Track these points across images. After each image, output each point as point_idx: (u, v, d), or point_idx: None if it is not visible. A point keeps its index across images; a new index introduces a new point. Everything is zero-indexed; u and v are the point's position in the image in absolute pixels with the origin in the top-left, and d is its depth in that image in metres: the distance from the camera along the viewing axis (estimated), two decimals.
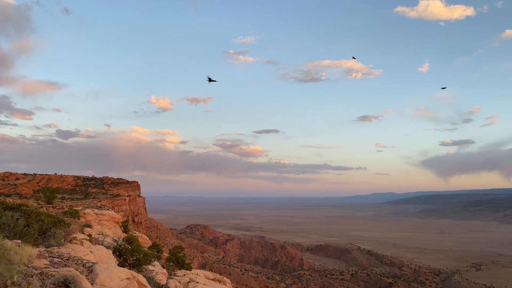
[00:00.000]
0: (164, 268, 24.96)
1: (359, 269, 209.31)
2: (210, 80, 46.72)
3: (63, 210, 33.85)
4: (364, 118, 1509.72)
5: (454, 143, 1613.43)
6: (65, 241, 16.61)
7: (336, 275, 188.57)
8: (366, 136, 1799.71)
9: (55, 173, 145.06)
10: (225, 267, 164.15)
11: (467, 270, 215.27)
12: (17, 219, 13.93)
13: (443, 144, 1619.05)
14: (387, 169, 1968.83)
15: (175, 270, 25.33)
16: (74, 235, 18.33)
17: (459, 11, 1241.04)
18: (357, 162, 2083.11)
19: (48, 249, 12.22)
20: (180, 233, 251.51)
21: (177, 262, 28.70)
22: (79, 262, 11.31)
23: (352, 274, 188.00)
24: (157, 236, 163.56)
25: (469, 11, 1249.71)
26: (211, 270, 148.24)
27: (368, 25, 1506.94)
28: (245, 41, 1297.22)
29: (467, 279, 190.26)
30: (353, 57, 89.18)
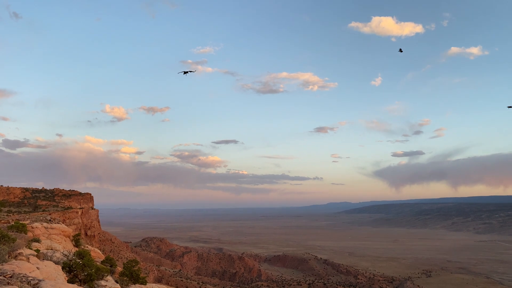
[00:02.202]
0: (117, 283, 24.07)
1: (316, 279, 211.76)
2: (185, 72, 42.22)
3: (9, 225, 32.00)
4: (320, 130, 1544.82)
5: (405, 154, 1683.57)
6: (10, 257, 15.65)
7: (294, 285, 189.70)
8: (322, 147, 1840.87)
9: (1, 185, 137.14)
10: (182, 281, 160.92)
11: (418, 277, 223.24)
12: None
13: (395, 155, 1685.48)
14: (343, 179, 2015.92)
15: (129, 285, 24.50)
16: (19, 251, 17.33)
17: (409, 28, 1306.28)
18: (314, 173, 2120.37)
19: None
20: (135, 247, 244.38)
21: (131, 276, 27.76)
22: (23, 279, 10.68)
23: (309, 284, 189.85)
24: (111, 250, 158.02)
25: (418, 28, 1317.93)
26: (167, 284, 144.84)
27: (324, 39, 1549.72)
28: (203, 51, 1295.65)
29: (418, 286, 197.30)
30: (400, 50, 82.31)
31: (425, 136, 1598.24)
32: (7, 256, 15.44)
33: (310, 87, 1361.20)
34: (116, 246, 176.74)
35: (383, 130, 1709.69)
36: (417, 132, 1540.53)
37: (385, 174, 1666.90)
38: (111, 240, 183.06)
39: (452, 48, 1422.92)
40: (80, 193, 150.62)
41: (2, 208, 63.38)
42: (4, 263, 12.72)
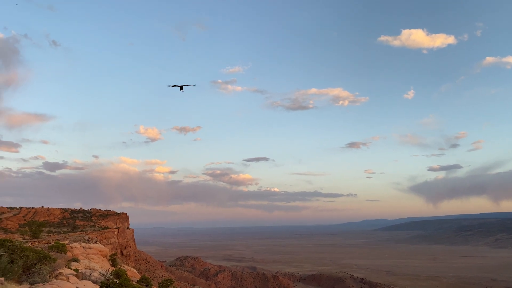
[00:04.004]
0: None
1: None
2: (181, 87, 37.74)
3: (49, 245, 33.03)
4: (352, 145, 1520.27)
5: (442, 168, 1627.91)
6: (51, 277, 16.12)
7: None
8: (355, 163, 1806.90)
9: (42, 206, 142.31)
10: None
11: None
12: (0, 255, 13.53)
13: (431, 169, 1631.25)
14: (377, 195, 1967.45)
15: None
16: (60, 271, 17.82)
17: (441, 40, 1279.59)
18: (347, 189, 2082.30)
19: (32, 286, 11.85)
20: (170, 266, 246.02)
21: None
22: None
23: None
24: (147, 269, 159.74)
25: (450, 39, 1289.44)
26: None
27: (353, 54, 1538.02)
28: (232, 71, 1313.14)
29: None
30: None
31: (462, 149, 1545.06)
32: (48, 276, 15.90)
33: (341, 102, 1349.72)
34: (151, 265, 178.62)
35: (418, 144, 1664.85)
36: (454, 146, 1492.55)
37: (422, 189, 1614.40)
38: (146, 259, 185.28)
39: (487, 58, 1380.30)
40: (116, 213, 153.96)
41: (43, 228, 65.59)
42: (45, 283, 13.11)
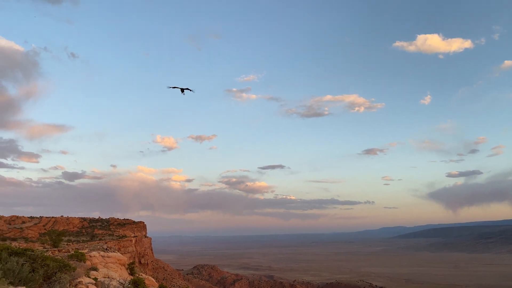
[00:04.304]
0: None
1: None
2: (182, 90, 36.11)
3: (69, 254, 33.45)
4: (369, 152, 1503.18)
5: (461, 174, 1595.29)
6: (70, 285, 16.31)
7: None
8: (372, 170, 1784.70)
9: (62, 216, 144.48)
10: None
11: None
12: (22, 264, 13.75)
13: (449, 175, 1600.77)
14: (395, 203, 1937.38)
15: None
16: (79, 279, 18.02)
17: (457, 44, 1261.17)
18: (364, 196, 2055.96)
19: None
20: (187, 274, 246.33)
21: None
22: None
23: None
24: (164, 278, 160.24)
25: (467, 43, 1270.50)
26: None
27: (368, 60, 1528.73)
28: (247, 79, 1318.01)
29: None
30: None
31: (481, 154, 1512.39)
32: (68, 284, 16.10)
33: (356, 108, 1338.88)
34: (169, 274, 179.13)
35: (436, 150, 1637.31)
36: (473, 151, 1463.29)
37: (441, 195, 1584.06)
38: (164, 268, 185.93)
39: (506, 61, 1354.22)
40: (134, 222, 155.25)
41: (62, 237, 66.50)
42: None
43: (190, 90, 36.72)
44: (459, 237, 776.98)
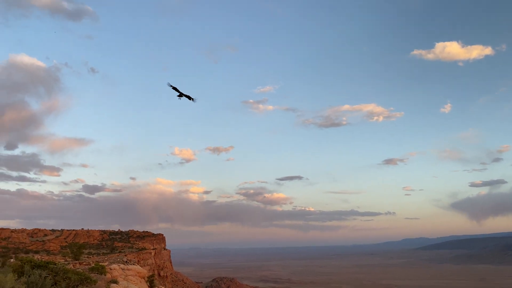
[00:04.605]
0: None
1: None
2: (180, 94, 33.61)
3: (90, 266, 33.72)
4: (389, 162, 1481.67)
5: (485, 183, 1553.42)
6: None
7: None
8: (392, 180, 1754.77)
9: (82, 228, 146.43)
10: None
11: None
12: (45, 277, 13.87)
13: (473, 185, 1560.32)
14: (417, 213, 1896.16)
15: None
16: None
17: (477, 51, 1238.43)
18: (385, 207, 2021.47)
19: None
20: (206, 287, 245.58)
21: None
22: None
23: None
24: None
25: (487, 50, 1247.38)
26: None
27: (385, 69, 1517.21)
28: (264, 91, 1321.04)
29: None
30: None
31: (505, 163, 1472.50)
32: None
33: (375, 118, 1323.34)
34: (188, 287, 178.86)
35: (458, 159, 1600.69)
36: (497, 160, 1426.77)
37: (464, 206, 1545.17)
38: (183, 280, 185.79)
39: None
40: (153, 234, 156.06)
41: (83, 250, 67.20)
42: None
43: (191, 99, 34.52)
44: (484, 248, 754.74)
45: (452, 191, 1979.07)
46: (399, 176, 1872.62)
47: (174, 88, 33.61)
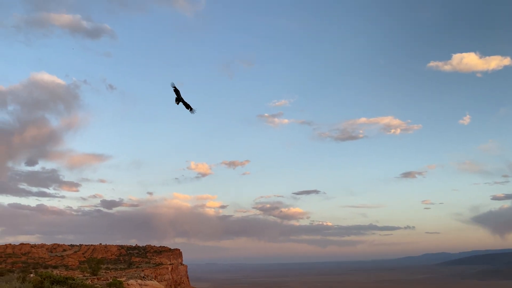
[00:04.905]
0: None
1: None
2: (178, 99, 31.38)
3: (108, 282, 33.78)
4: (407, 175, 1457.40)
5: (508, 196, 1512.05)
6: None
7: None
8: (411, 193, 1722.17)
9: (100, 243, 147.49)
10: None
11: None
12: None
13: (495, 198, 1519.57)
14: (437, 227, 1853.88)
15: None
16: None
17: (496, 62, 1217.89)
18: (404, 221, 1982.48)
19: None
20: None
21: None
22: None
23: None
24: None
25: (506, 61, 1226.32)
26: None
27: (402, 81, 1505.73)
28: (279, 104, 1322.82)
29: None
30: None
31: None
32: None
33: (392, 130, 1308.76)
34: None
35: (479, 172, 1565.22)
36: None
37: (486, 219, 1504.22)
38: None
39: None
40: (170, 249, 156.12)
41: (101, 265, 67.48)
42: None
43: (189, 108, 32.24)
44: (509, 263, 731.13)
45: (473, 205, 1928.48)
46: (418, 189, 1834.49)
47: (176, 91, 31.72)
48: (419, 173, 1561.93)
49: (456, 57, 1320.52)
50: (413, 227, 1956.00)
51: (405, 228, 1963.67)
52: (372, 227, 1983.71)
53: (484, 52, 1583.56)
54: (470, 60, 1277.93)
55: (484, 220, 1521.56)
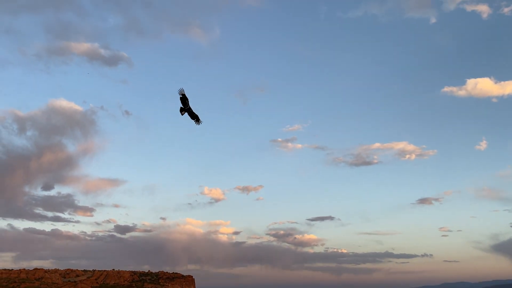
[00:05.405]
0: None
1: None
2: (184, 109, 27.31)
3: None
4: (423, 201, 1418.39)
5: None
6: None
7: None
8: (428, 220, 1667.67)
9: (113, 269, 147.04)
10: None
11: None
12: None
13: None
14: (456, 256, 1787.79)
15: None
16: None
17: (511, 87, 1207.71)
18: (421, 249, 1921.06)
19: None
20: None
21: None
22: None
23: None
24: None
25: None
26: None
27: (416, 106, 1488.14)
28: (292, 129, 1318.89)
29: None
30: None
31: None
32: None
33: (407, 156, 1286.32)
34: None
35: (497, 198, 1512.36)
36: None
37: (507, 248, 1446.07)
38: None
39: None
40: (183, 276, 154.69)
41: None
42: None
43: (195, 119, 29.13)
44: None
45: (493, 232, 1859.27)
46: (435, 216, 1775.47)
47: (184, 98, 28.41)
48: (436, 200, 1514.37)
49: (471, 82, 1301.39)
50: (431, 255, 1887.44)
51: (422, 256, 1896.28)
52: (388, 255, 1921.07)
53: (499, 77, 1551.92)
54: (484, 85, 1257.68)
55: (505, 248, 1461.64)
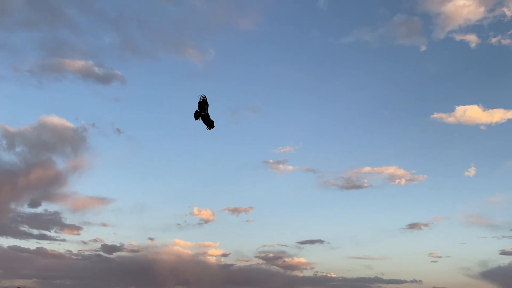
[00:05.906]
0: None
1: None
2: (199, 113, 23.01)
3: None
4: (413, 226, 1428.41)
5: None
6: None
7: None
8: (417, 245, 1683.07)
9: None
10: None
11: None
12: None
13: (503, 253, 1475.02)
14: (445, 282, 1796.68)
15: None
16: None
17: (499, 115, 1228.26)
18: (410, 275, 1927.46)
19: None
20: None
21: None
22: None
23: None
24: None
25: (510, 114, 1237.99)
26: None
27: (406, 132, 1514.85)
28: (284, 151, 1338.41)
29: None
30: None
31: None
32: None
33: (397, 181, 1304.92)
34: None
35: (486, 225, 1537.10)
36: None
37: (495, 275, 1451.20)
38: None
39: None
40: None
41: None
42: None
43: (209, 125, 23.71)
44: None
45: (482, 259, 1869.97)
46: (424, 241, 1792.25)
47: (203, 104, 23.23)
48: (425, 225, 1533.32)
49: (459, 109, 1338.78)
50: (420, 281, 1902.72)
51: (412, 281, 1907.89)
52: (377, 280, 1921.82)
53: (487, 105, 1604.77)
54: (473, 113, 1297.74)
55: (494, 275, 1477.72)
